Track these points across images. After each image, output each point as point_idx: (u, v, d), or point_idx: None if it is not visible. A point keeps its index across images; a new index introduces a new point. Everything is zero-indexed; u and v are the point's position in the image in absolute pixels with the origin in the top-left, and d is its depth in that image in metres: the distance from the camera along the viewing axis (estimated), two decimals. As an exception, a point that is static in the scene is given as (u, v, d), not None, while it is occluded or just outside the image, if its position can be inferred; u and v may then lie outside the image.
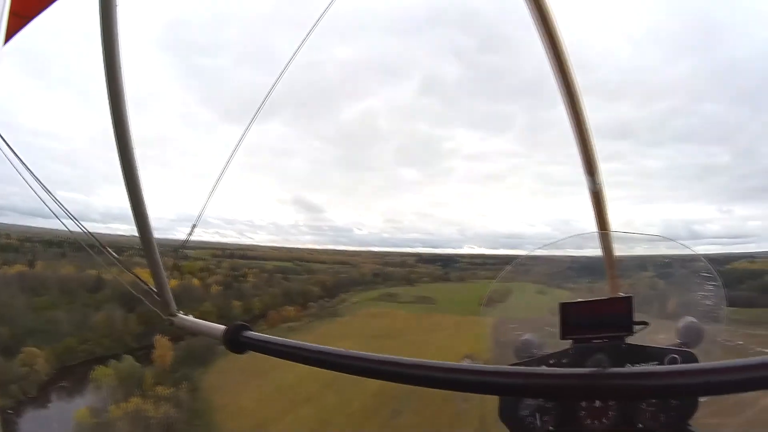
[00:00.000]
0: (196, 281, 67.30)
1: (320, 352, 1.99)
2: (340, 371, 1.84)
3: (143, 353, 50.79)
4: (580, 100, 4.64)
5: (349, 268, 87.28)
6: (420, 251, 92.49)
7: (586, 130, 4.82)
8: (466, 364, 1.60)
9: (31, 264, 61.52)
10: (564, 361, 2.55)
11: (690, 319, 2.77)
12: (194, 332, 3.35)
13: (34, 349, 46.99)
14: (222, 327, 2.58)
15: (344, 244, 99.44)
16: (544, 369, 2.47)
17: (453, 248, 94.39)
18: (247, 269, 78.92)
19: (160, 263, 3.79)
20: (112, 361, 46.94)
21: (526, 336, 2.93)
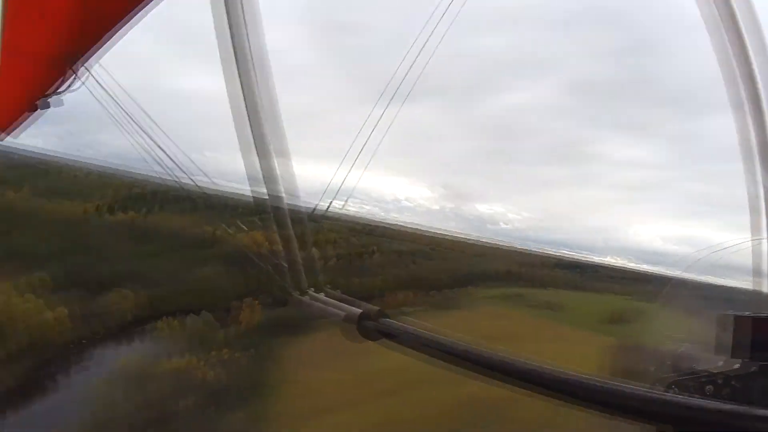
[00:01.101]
0: (315, 252, 66.58)
1: (479, 355, 1.79)
2: (500, 381, 1.69)
3: (233, 314, 50.65)
4: (760, 85, 4.34)
5: (484, 261, 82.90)
6: (561, 254, 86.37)
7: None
8: (629, 386, 1.48)
9: (148, 213, 63.06)
10: (733, 384, 2.18)
11: None
12: (324, 312, 3.17)
13: (127, 291, 48.88)
14: (357, 310, 2.52)
15: (487, 236, 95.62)
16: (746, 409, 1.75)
17: (596, 256, 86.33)
18: (376, 247, 76.66)
19: (293, 236, 3.88)
20: (192, 316, 47.50)
21: (685, 347, 2.69)
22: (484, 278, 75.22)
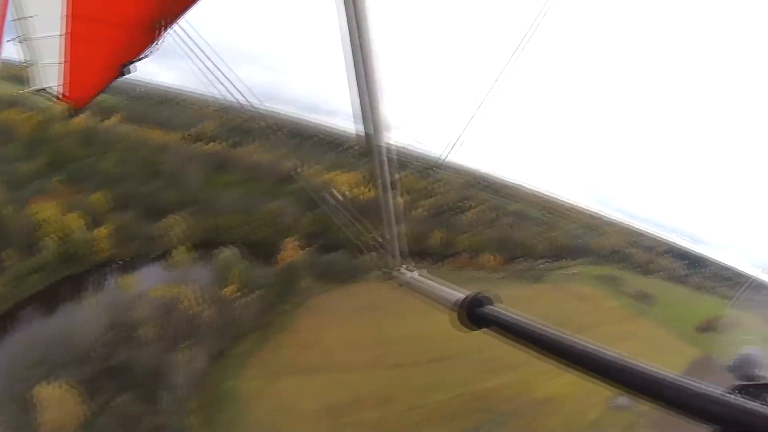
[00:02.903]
0: (398, 200, 67.49)
1: (569, 347, 1.78)
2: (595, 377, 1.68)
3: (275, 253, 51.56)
4: None
5: (593, 235, 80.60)
6: (675, 242, 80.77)
7: None
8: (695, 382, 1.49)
9: (235, 145, 68.01)
10: None
11: None
12: (422, 293, 2.99)
13: (177, 218, 51.07)
14: (459, 294, 2.30)
15: (608, 208, 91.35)
16: None
17: (712, 249, 79.92)
18: (473, 204, 75.74)
19: (392, 209, 3.45)
20: (228, 249, 48.30)
21: (748, 350, 2.54)
22: (584, 253, 72.87)
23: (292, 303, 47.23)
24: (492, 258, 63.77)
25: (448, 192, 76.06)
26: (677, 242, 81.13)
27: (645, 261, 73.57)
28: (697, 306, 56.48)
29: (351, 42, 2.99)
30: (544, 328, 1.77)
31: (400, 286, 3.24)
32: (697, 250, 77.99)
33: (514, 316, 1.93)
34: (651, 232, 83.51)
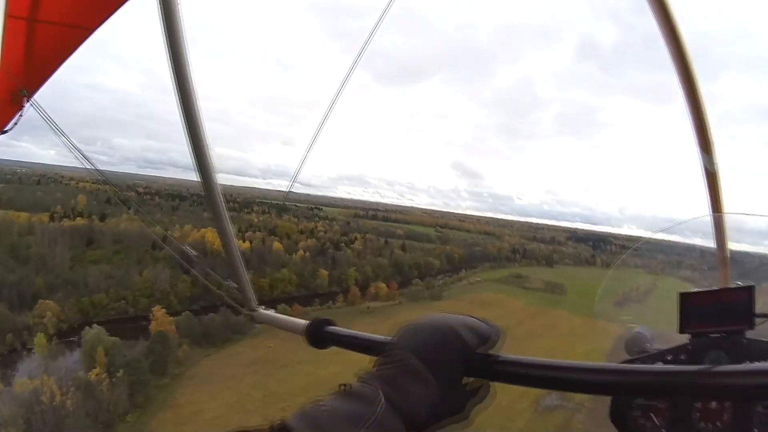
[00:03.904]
0: (277, 245, 64.71)
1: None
2: None
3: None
4: (692, 64, 3.63)
5: (491, 239, 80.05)
6: (576, 227, 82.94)
7: (701, 101, 3.68)
8: (576, 362, 1.23)
9: (104, 217, 65.59)
10: (681, 357, 2.17)
11: None
12: (276, 326, 2.86)
13: (50, 302, 47.39)
14: (304, 322, 2.13)
15: (503, 213, 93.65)
16: (656, 366, 1.87)
17: (612, 227, 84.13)
18: (359, 235, 71.93)
19: (238, 253, 3.35)
20: (94, 328, 43.78)
21: (639, 329, 2.39)
22: (484, 259, 70.88)
23: (171, 375, 43.61)
24: (385, 286, 59.67)
25: (332, 228, 74.27)
26: (577, 227, 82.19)
27: (549, 253, 72.69)
28: (609, 283, 54.50)
29: (176, 86, 2.87)
30: (372, 337, 1.51)
31: (260, 323, 3.07)
32: (597, 230, 79.43)
33: (347, 332, 1.75)
34: (549, 224, 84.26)
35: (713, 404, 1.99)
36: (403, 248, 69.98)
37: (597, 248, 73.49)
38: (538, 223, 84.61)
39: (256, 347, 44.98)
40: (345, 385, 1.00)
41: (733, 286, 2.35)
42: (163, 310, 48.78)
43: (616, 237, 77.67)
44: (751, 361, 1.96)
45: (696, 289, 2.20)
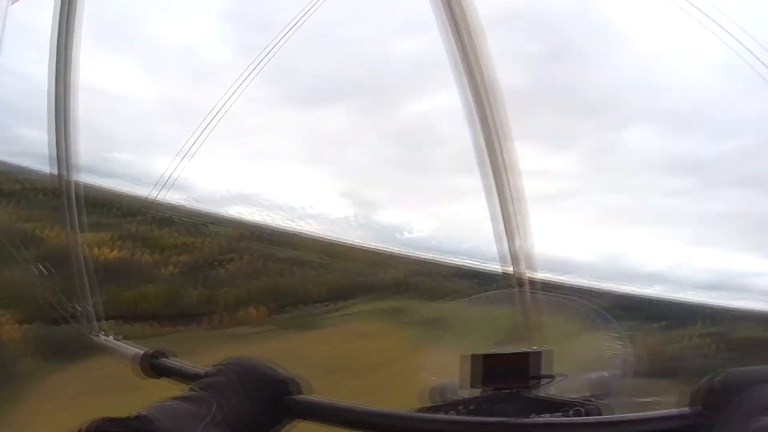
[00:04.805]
0: (146, 257, 57.98)
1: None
2: None
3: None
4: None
5: (375, 270, 74.72)
6: (463, 264, 79.86)
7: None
8: (373, 407, 1.65)
9: None
10: (471, 408, 2.39)
11: (602, 372, 2.67)
12: (115, 352, 3.16)
13: None
14: (140, 351, 2.42)
15: (391, 245, 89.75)
16: (444, 417, 2.22)
17: (500, 265, 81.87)
18: (237, 255, 66.77)
19: (84, 270, 3.39)
20: None
21: (442, 382, 2.69)
22: (366, 290, 66.25)
23: (9, 391, 36.32)
24: (255, 311, 54.74)
25: (211, 245, 67.10)
26: (465, 264, 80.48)
27: (433, 287, 67.77)
28: (494, 320, 52.98)
29: (55, 75, 2.95)
30: (203, 369, 1.78)
31: (100, 346, 3.17)
32: (483, 268, 78.12)
33: (180, 364, 2.04)
34: (436, 259, 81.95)
35: None
36: (282, 274, 64.91)
37: (484, 285, 70.85)
38: (423, 258, 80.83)
39: (109, 365, 38.42)
40: (183, 391, 1.32)
41: (527, 350, 2.57)
42: (8, 316, 41.49)
43: (504, 276, 75.13)
44: (538, 415, 2.14)
45: (487, 351, 2.43)
